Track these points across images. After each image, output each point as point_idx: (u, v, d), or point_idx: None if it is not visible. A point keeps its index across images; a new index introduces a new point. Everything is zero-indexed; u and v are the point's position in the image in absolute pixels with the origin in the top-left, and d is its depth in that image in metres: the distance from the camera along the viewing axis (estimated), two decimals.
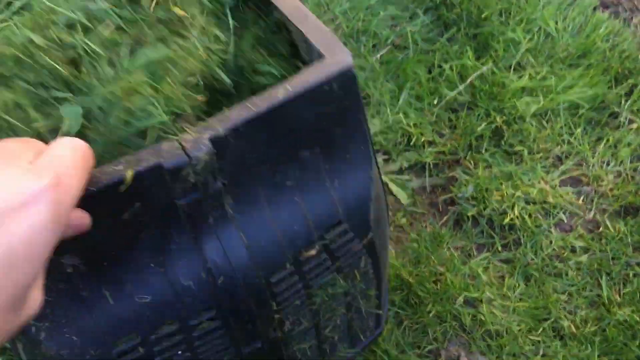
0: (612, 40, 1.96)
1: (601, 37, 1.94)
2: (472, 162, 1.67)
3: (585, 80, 1.81)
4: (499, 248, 1.53)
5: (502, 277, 1.48)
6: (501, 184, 1.60)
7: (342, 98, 0.73)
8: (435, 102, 1.80)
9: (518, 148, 1.68)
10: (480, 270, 1.46)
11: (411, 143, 1.71)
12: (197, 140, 0.62)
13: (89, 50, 0.65)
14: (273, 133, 0.69)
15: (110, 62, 0.65)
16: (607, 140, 1.72)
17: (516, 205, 1.57)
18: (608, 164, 1.69)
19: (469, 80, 1.82)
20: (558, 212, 1.58)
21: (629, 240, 1.52)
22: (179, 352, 0.72)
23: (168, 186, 0.62)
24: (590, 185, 1.65)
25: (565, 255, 1.51)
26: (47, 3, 0.67)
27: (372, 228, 0.85)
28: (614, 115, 1.80)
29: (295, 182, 0.76)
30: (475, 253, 1.53)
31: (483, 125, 1.72)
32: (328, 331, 0.91)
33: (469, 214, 1.57)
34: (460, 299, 1.42)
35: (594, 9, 2.07)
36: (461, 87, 1.82)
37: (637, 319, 1.38)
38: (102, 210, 0.58)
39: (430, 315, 1.40)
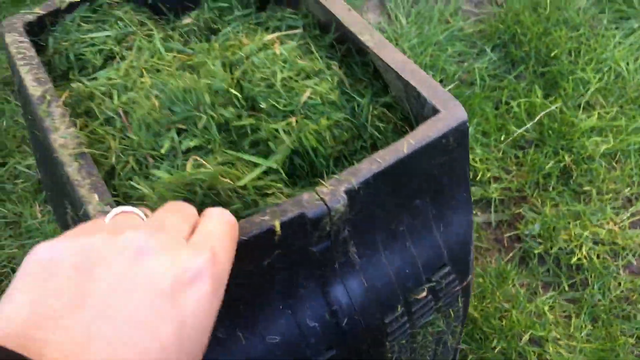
0: None
1: None
2: (539, 200, 1.70)
3: None
4: (566, 287, 1.55)
5: (569, 317, 1.50)
6: (569, 223, 1.62)
7: (454, 149, 0.79)
8: (502, 138, 1.84)
9: (587, 188, 1.70)
10: (547, 309, 1.49)
11: (477, 178, 1.75)
12: (334, 192, 0.68)
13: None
14: (394, 184, 0.75)
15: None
16: None
17: (584, 245, 1.59)
18: None
19: (537, 118, 1.85)
20: (627, 254, 1.59)
21: None
22: None
23: (307, 235, 0.68)
24: None
25: (634, 298, 1.52)
26: None
27: (471, 270, 0.89)
28: None
29: (407, 228, 0.81)
30: (541, 291, 1.55)
31: (551, 163, 1.75)
32: None
33: (536, 251, 1.60)
34: (526, 337, 1.44)
35: None
36: (529, 125, 1.85)
37: None
38: (247, 257, 0.64)
39: (495, 351, 1.43)
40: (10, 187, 1.82)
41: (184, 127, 0.78)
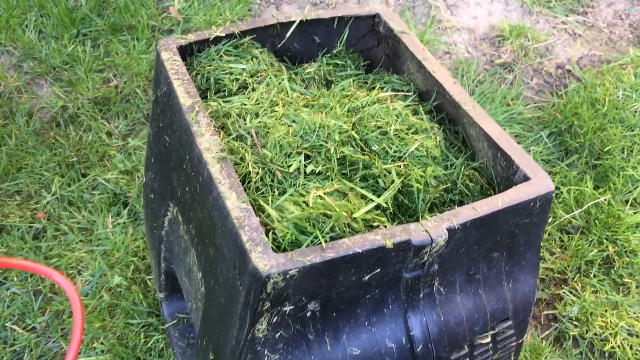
0: None
1: None
2: (579, 284, 1.82)
3: None
4: None
5: None
6: (606, 311, 1.74)
7: (537, 214, 0.94)
8: (549, 220, 1.98)
9: (627, 280, 1.82)
10: None
11: None
12: (437, 227, 0.83)
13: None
14: (483, 232, 0.90)
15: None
16: None
17: (619, 335, 1.70)
18: None
19: (586, 206, 1.99)
20: None
21: None
22: None
23: (406, 259, 0.82)
24: None
25: None
26: None
27: (527, 330, 1.02)
28: None
29: (482, 276, 0.95)
30: None
31: (595, 251, 1.88)
32: None
33: (571, 333, 1.71)
34: None
35: None
36: (577, 212, 1.99)
37: None
38: (354, 269, 0.79)
39: None
40: (88, 197, 1.99)
41: (310, 153, 0.94)
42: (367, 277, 0.83)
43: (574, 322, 1.73)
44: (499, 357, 1.03)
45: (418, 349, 0.89)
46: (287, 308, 0.82)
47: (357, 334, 0.88)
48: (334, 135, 0.97)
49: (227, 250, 0.85)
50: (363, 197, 0.92)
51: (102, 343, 1.63)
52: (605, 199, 2.02)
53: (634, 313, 1.76)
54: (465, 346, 0.95)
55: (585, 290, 1.80)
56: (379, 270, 0.83)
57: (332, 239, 0.82)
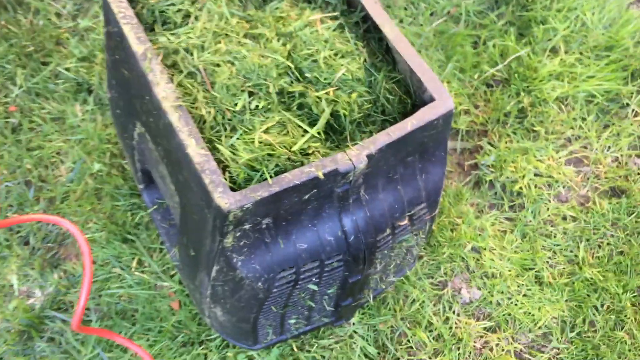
0: (637, 37, 2.30)
1: (629, 33, 2.27)
2: (497, 134, 2.07)
3: (605, 73, 2.17)
4: (506, 208, 1.97)
5: (504, 232, 1.94)
6: (517, 157, 2.01)
7: (441, 126, 1.13)
8: (476, 76, 2.16)
9: (537, 128, 2.08)
10: (488, 225, 1.92)
11: None
12: (358, 155, 1.02)
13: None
14: (397, 148, 1.09)
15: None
16: (613, 128, 2.11)
17: (526, 176, 1.99)
18: (609, 149, 2.10)
19: (507, 62, 2.17)
20: (559, 186, 2.01)
21: (609, 216, 1.97)
22: (313, 279, 1.16)
23: (336, 181, 1.03)
24: (589, 166, 2.07)
25: (557, 221, 1.96)
26: None
27: (438, 205, 1.27)
28: (623, 107, 2.19)
29: (400, 175, 1.17)
30: (487, 210, 1.98)
31: (512, 103, 2.10)
32: (392, 266, 1.37)
33: (487, 178, 2.00)
34: (469, 246, 1.88)
35: (629, 5, 2.38)
36: (500, 66, 2.17)
37: (601, 277, 1.86)
38: (297, 193, 1.00)
39: (444, 255, 1.86)
40: (53, 87, 2.07)
41: (253, 90, 1.09)
42: (306, 197, 1.04)
43: (491, 169, 2.01)
44: (416, 228, 1.29)
45: (351, 239, 1.14)
46: (247, 226, 1.03)
47: (303, 233, 1.12)
48: (272, 72, 1.10)
49: (193, 185, 1.03)
50: (300, 125, 1.09)
51: (95, 223, 1.85)
52: (525, 52, 2.19)
53: (541, 156, 2.04)
54: (388, 229, 1.19)
55: (502, 140, 2.05)
56: (315, 191, 1.04)
57: (276, 173, 1.01)
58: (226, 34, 1.17)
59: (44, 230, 1.86)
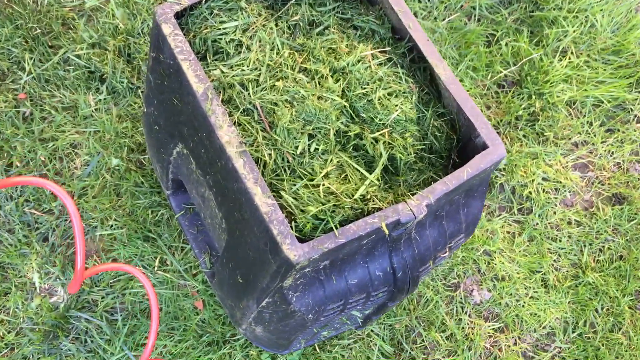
0: None
1: (636, 38, 2.31)
2: (508, 137, 2.11)
3: (613, 80, 2.22)
4: (515, 212, 2.04)
5: (513, 235, 2.02)
6: (527, 161, 2.07)
7: (491, 171, 1.16)
8: (489, 76, 2.19)
9: (547, 133, 2.13)
10: (498, 227, 1.99)
11: None
12: (419, 206, 1.05)
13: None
14: (451, 194, 1.12)
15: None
16: (617, 134, 2.18)
17: (535, 181, 2.06)
18: (612, 154, 2.17)
19: (520, 63, 2.20)
20: (565, 191, 2.09)
21: (612, 222, 2.06)
22: (358, 307, 1.21)
23: (395, 228, 1.06)
24: (594, 172, 2.14)
25: (562, 225, 2.04)
26: None
27: (474, 232, 1.32)
28: (628, 112, 2.25)
29: (445, 212, 1.21)
30: (497, 212, 2.04)
31: (524, 105, 2.14)
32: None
33: (499, 181, 2.05)
34: (481, 250, 1.95)
35: (637, 10, 2.41)
36: (513, 68, 2.20)
37: (602, 282, 1.96)
38: (357, 242, 1.03)
39: (458, 259, 1.93)
40: (63, 74, 2.00)
41: (312, 132, 1.10)
42: (364, 241, 1.07)
43: (502, 172, 2.07)
44: (451, 253, 1.34)
45: (399, 275, 1.18)
46: (307, 270, 1.06)
47: (355, 270, 1.15)
48: (332, 116, 1.11)
49: (255, 229, 1.05)
50: (357, 169, 1.11)
51: (115, 220, 1.85)
52: (537, 55, 2.22)
53: (550, 161, 2.10)
54: (430, 261, 1.24)
55: (513, 144, 2.10)
56: (374, 236, 1.07)
57: (340, 222, 1.04)
58: (280, 68, 1.16)
59: (62, 226, 1.85)
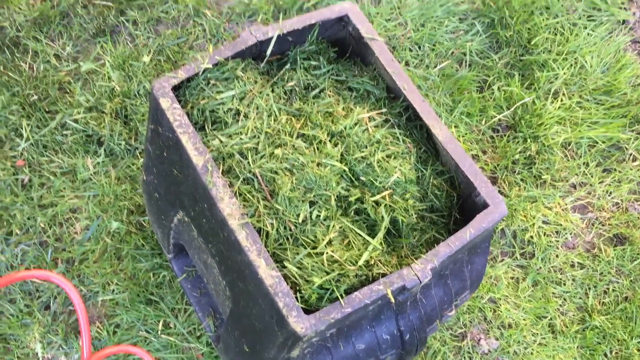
0: (634, 81, 2.38)
1: (627, 78, 2.35)
2: (506, 182, 2.13)
3: (606, 120, 2.24)
4: (518, 256, 2.04)
5: (517, 280, 2.01)
6: (527, 205, 2.08)
7: (493, 228, 1.17)
8: (483, 121, 2.21)
9: (545, 176, 2.14)
10: (502, 274, 1.98)
11: None
12: (423, 270, 1.05)
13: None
14: (455, 255, 1.13)
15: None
16: (614, 174, 2.19)
17: (535, 224, 2.06)
18: (610, 194, 2.18)
19: (512, 108, 2.23)
20: (566, 233, 2.09)
21: (614, 263, 2.06)
22: None
23: (401, 293, 1.06)
24: (594, 212, 2.15)
25: (566, 269, 2.03)
26: None
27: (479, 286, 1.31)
28: (622, 151, 2.27)
29: (449, 271, 1.21)
30: (499, 257, 2.03)
31: (520, 148, 2.16)
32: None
33: (499, 227, 2.05)
34: (486, 297, 1.93)
35: (625, 50, 2.45)
36: (506, 112, 2.23)
37: (609, 325, 1.95)
38: (363, 310, 1.02)
39: (464, 307, 1.92)
40: (61, 139, 2.02)
41: (313, 199, 1.11)
42: (370, 308, 1.07)
43: (503, 218, 2.07)
44: (457, 309, 1.33)
45: (406, 337, 1.17)
46: (314, 340, 1.05)
47: (362, 335, 1.14)
48: (332, 183, 1.12)
49: (261, 300, 1.05)
50: (359, 234, 1.12)
51: (117, 284, 1.84)
52: (530, 99, 2.25)
53: (549, 203, 2.11)
54: (437, 320, 1.23)
55: (511, 188, 2.11)
56: (380, 302, 1.06)
57: (345, 290, 1.03)
58: (278, 135, 1.18)
59: (63, 294, 1.84)
